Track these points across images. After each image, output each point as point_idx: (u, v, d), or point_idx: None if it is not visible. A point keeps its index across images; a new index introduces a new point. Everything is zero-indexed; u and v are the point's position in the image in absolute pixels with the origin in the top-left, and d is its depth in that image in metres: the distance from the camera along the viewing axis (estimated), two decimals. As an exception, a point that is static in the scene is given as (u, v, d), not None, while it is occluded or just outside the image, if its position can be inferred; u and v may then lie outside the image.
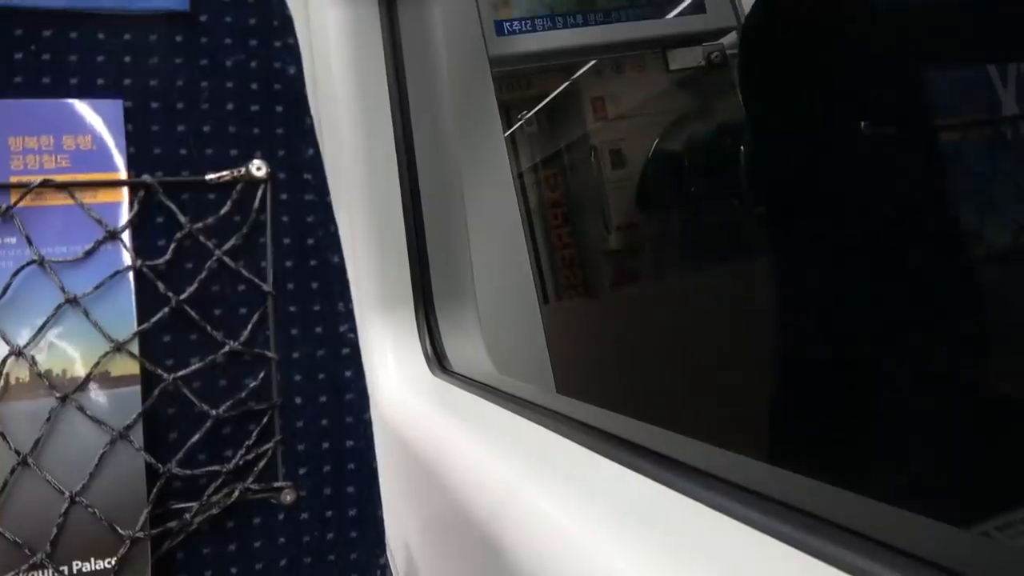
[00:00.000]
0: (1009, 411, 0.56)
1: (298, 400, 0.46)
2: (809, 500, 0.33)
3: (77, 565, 0.40)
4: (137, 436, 0.42)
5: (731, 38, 1.44)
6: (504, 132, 1.31)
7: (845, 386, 0.57)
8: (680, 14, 1.44)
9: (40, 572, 0.40)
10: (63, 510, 0.40)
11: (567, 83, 1.76)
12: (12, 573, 0.39)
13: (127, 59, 0.44)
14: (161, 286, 0.43)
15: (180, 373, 0.43)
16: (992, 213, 0.57)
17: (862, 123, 0.56)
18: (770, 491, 0.35)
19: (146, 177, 0.43)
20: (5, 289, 0.40)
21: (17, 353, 0.40)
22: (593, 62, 1.67)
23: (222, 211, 0.44)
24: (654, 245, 1.74)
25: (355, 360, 0.47)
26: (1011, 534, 0.45)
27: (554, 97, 1.81)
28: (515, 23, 1.34)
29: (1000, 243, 0.58)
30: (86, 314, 0.41)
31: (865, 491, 0.31)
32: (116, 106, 0.43)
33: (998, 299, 0.59)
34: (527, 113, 1.90)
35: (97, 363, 0.41)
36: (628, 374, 1.46)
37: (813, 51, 0.60)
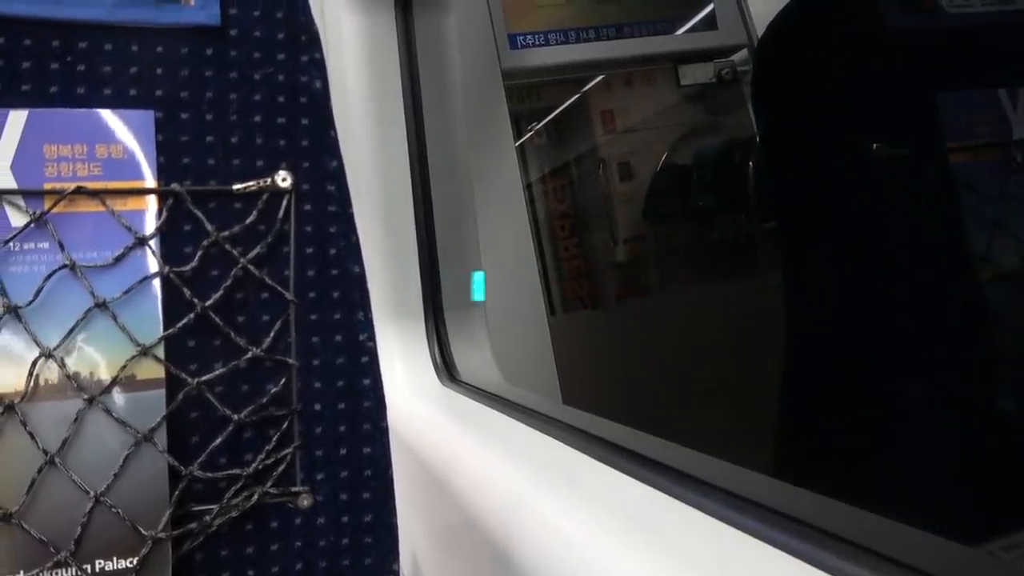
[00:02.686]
0: (1017, 432, 0.56)
1: (317, 406, 0.46)
2: (820, 515, 0.34)
3: (100, 564, 0.41)
4: (161, 439, 0.43)
5: (742, 55, 1.45)
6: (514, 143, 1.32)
7: (853, 403, 0.57)
8: (692, 30, 1.45)
9: (64, 570, 0.40)
10: (88, 509, 0.41)
11: (577, 95, 1.77)
12: (37, 570, 0.40)
13: (159, 71, 0.45)
14: (187, 292, 0.44)
15: (204, 378, 0.44)
16: (1002, 235, 0.58)
17: (874, 144, 0.56)
18: (779, 504, 0.36)
19: (175, 186, 0.44)
20: (37, 292, 0.41)
21: (47, 355, 0.41)
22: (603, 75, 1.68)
23: (248, 220, 0.45)
24: (661, 258, 1.74)
25: (373, 368, 0.48)
26: (1017, 555, 0.45)
27: (563, 109, 1.82)
28: (528, 36, 1.35)
29: (1009, 265, 0.58)
30: (114, 318, 0.42)
31: (871, 508, 0.32)
32: (147, 116, 0.44)
33: (1007, 320, 0.59)
34: (536, 124, 1.91)
35: (124, 366, 0.42)
36: (633, 387, 1.46)
37: (828, 69, 0.61)
